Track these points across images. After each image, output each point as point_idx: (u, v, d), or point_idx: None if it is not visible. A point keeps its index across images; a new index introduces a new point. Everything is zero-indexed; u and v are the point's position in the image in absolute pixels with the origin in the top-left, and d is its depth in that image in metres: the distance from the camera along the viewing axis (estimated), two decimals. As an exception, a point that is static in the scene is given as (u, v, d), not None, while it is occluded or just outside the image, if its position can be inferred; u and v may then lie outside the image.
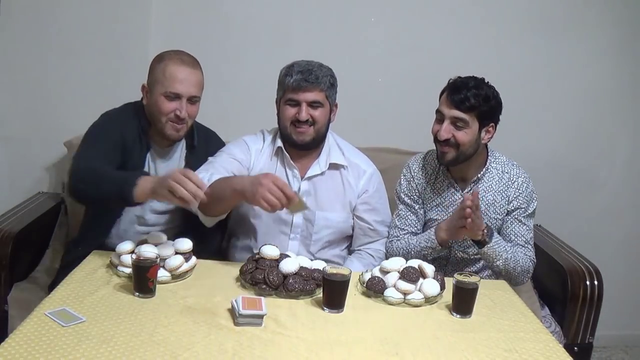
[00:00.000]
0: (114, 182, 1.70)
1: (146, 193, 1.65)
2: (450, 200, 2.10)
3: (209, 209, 1.89)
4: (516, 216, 2.07)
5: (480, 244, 1.96)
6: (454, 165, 2.04)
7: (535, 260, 2.08)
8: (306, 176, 2.09)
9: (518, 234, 2.06)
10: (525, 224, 2.07)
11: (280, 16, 2.71)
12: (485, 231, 1.93)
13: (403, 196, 2.16)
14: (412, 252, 2.04)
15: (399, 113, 2.78)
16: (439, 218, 2.09)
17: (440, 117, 1.99)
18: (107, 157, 1.87)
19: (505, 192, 2.07)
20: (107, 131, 1.95)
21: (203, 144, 2.12)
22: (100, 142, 1.91)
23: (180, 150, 2.10)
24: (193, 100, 1.96)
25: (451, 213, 2.06)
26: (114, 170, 1.85)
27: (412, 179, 2.16)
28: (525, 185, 2.07)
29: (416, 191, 2.15)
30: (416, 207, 2.14)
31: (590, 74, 2.87)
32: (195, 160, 2.08)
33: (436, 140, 2.01)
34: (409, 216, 2.14)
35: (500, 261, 1.97)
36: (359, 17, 2.74)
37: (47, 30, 2.56)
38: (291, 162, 2.08)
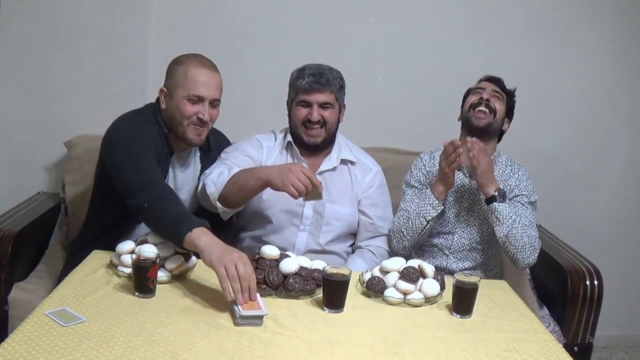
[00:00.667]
0: (174, 218, 1.62)
1: (196, 243, 1.56)
2: (460, 184, 2.14)
3: (230, 200, 1.93)
4: (519, 200, 2.11)
5: (491, 201, 2.01)
6: (484, 131, 2.09)
7: (540, 243, 2.08)
8: (318, 171, 2.15)
9: (521, 214, 2.07)
10: (527, 209, 2.10)
11: (280, 16, 2.71)
12: (497, 193, 2.00)
13: (413, 182, 2.21)
14: (412, 217, 2.09)
15: (399, 113, 2.78)
16: (447, 203, 2.13)
17: (479, 90, 2.14)
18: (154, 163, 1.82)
19: (507, 182, 2.13)
20: (146, 134, 1.88)
21: (216, 145, 2.14)
22: (146, 147, 1.84)
23: (194, 156, 2.10)
24: (214, 103, 1.95)
25: (459, 198, 2.14)
26: (180, 203, 1.74)
27: (423, 167, 2.22)
28: (525, 177, 2.16)
29: (427, 177, 2.19)
30: (422, 188, 2.18)
31: (589, 74, 2.88)
32: (210, 162, 2.09)
33: (472, 107, 2.11)
34: (414, 199, 2.16)
35: (507, 224, 2.00)
36: (359, 17, 2.74)
37: (48, 31, 2.56)
38: (300, 156, 2.15)
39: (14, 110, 2.62)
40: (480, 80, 2.21)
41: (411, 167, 2.27)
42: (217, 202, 1.93)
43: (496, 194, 2.00)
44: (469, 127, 2.12)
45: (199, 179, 2.07)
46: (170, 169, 2.00)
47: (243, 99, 2.68)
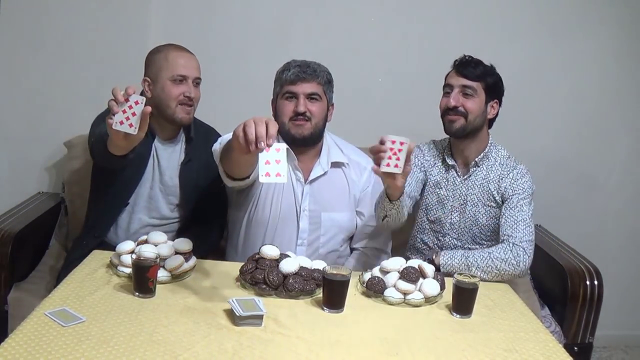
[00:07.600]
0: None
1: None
2: (451, 183, 2.10)
3: (225, 162, 1.81)
4: (513, 201, 2.01)
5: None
6: (461, 135, 2.04)
7: (523, 248, 1.90)
8: (309, 179, 2.08)
9: (508, 217, 1.98)
10: (517, 206, 2.00)
11: (280, 15, 2.71)
12: (434, 256, 1.95)
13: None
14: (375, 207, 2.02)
15: (399, 113, 2.78)
16: (435, 199, 2.12)
17: (448, 90, 2.05)
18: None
19: (500, 183, 2.05)
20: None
21: (202, 138, 2.14)
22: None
23: (181, 143, 2.13)
24: (197, 82, 2.04)
25: (450, 197, 2.10)
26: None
27: (422, 154, 2.18)
28: (520, 175, 2.05)
29: (422, 164, 2.16)
30: (417, 173, 2.14)
31: (591, 74, 2.88)
32: (195, 152, 2.11)
33: (444, 113, 2.05)
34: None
35: (468, 272, 1.83)
36: (358, 17, 2.74)
37: (47, 31, 2.57)
38: (296, 164, 2.06)
39: (13, 110, 2.62)
40: (452, 67, 2.08)
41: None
42: (220, 163, 1.86)
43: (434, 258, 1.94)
44: (447, 132, 2.08)
45: (182, 169, 2.09)
46: (155, 152, 2.07)
47: (243, 97, 2.68)
